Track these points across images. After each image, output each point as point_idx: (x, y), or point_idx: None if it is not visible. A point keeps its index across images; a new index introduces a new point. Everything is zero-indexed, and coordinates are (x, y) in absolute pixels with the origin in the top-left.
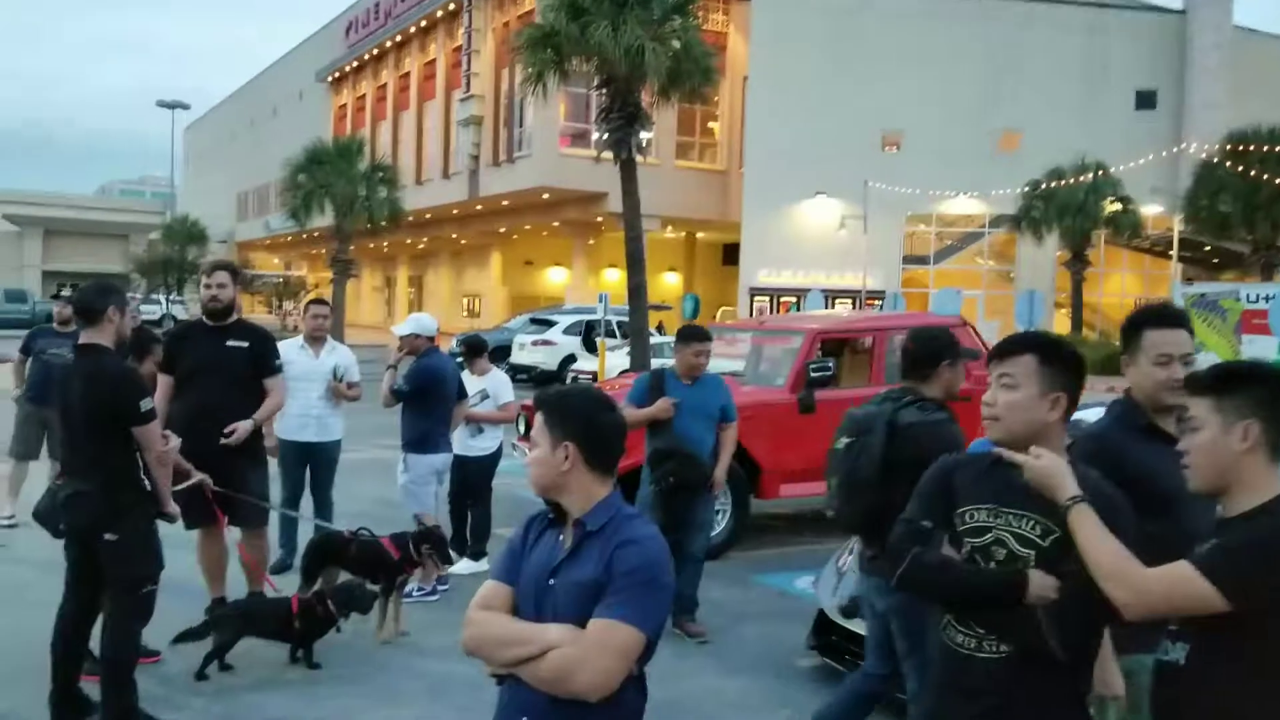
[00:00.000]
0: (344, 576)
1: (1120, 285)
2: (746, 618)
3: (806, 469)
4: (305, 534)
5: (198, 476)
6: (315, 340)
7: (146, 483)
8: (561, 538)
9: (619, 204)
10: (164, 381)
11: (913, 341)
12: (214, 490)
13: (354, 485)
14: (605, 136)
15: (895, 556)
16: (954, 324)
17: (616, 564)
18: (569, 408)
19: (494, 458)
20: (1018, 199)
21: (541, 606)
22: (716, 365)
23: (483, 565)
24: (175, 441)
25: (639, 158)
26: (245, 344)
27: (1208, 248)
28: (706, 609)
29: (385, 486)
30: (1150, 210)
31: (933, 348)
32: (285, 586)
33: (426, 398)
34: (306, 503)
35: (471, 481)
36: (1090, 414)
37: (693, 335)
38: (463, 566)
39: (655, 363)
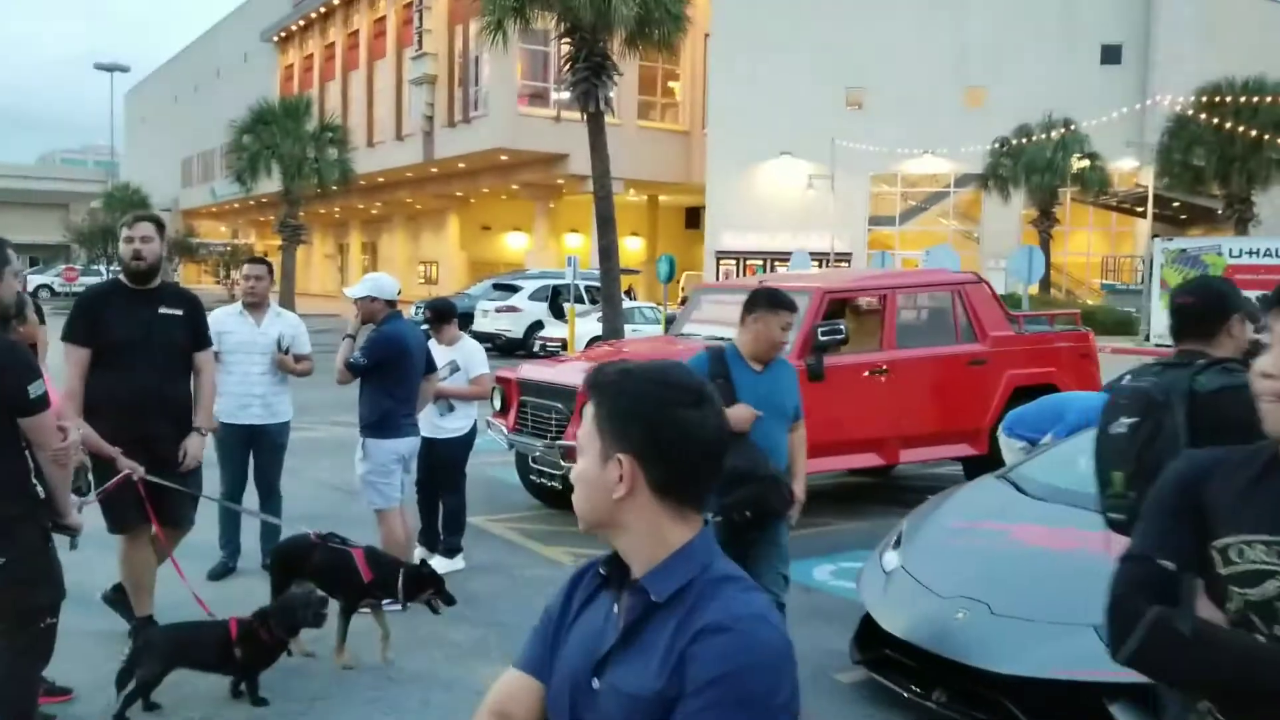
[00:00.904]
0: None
1: (1086, 243)
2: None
3: (817, 443)
4: (250, 530)
5: (127, 467)
6: (255, 306)
7: (40, 489)
8: (615, 609)
9: (580, 166)
10: (77, 356)
11: (1194, 295)
12: (147, 484)
13: (306, 469)
14: (570, 90)
15: (1123, 617)
16: (970, 280)
17: (694, 667)
18: (631, 397)
19: (467, 439)
20: (985, 157)
21: (579, 718)
22: (700, 330)
23: (458, 564)
24: (75, 435)
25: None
26: (179, 312)
27: (1176, 204)
28: None
29: (342, 470)
30: (1118, 166)
31: (1222, 302)
32: (228, 594)
33: (388, 372)
34: (250, 497)
35: (443, 467)
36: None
37: (778, 301)
38: (435, 566)
39: (629, 330)
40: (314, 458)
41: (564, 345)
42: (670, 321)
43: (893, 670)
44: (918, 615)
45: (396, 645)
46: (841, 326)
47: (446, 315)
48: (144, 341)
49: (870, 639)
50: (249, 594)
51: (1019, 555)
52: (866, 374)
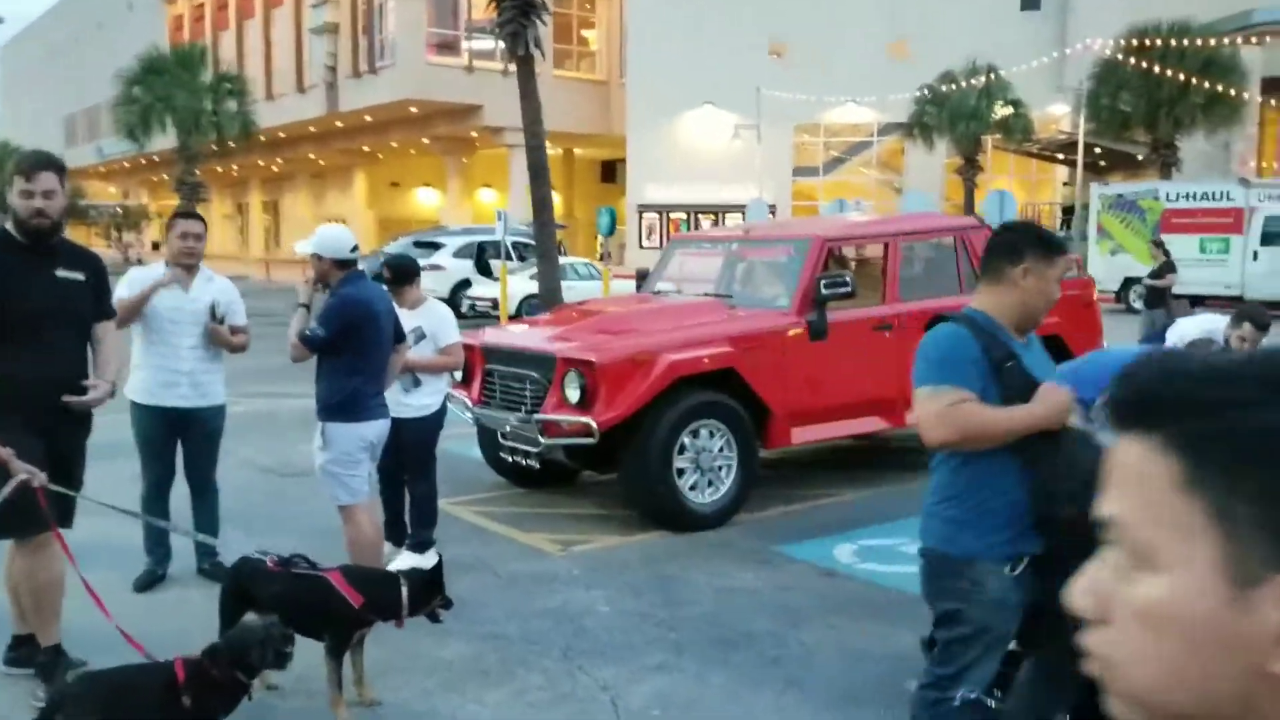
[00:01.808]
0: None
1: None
2: (801, 614)
3: (821, 407)
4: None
5: (24, 471)
6: (185, 269)
7: None
8: None
9: (495, 117)
10: None
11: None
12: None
13: (236, 450)
14: (496, 32)
15: None
16: (972, 225)
17: None
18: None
19: (437, 418)
20: (909, 105)
21: None
22: (677, 287)
23: (429, 560)
24: None
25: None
26: (80, 276)
27: (1099, 150)
28: (744, 604)
29: (276, 450)
30: (1041, 113)
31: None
32: (160, 609)
33: (351, 344)
34: (178, 494)
35: (409, 450)
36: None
37: (1053, 244)
38: (402, 563)
39: (566, 287)
40: (241, 436)
41: (495, 305)
42: (642, 279)
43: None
44: None
45: (374, 674)
46: (848, 279)
47: (409, 274)
48: (48, 313)
49: None
50: (185, 608)
51: None
52: (872, 330)
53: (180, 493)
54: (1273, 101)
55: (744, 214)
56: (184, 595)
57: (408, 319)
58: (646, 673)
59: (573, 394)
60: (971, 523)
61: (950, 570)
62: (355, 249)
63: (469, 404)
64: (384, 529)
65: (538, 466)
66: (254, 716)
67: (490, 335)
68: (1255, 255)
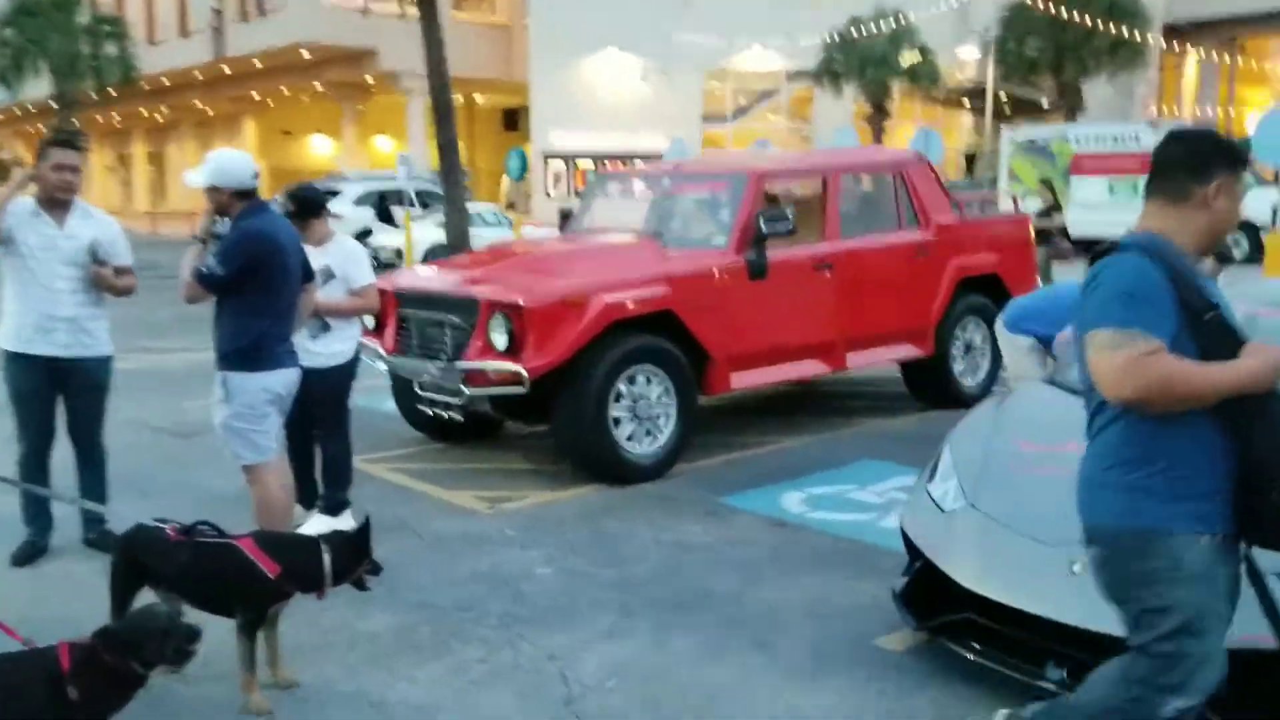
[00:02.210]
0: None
1: (910, 140)
2: (757, 569)
3: (761, 351)
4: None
5: None
6: (58, 203)
7: None
8: None
9: (392, 62)
10: None
11: None
12: None
13: (122, 408)
14: None
15: None
16: (912, 159)
17: None
18: None
19: (350, 368)
20: (818, 53)
21: None
22: (603, 226)
23: (344, 523)
24: None
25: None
26: None
27: (1004, 96)
28: (695, 561)
29: (168, 409)
30: (949, 59)
31: None
32: (43, 587)
33: (257, 283)
34: (61, 454)
35: (321, 403)
36: None
37: (1237, 155)
38: (315, 527)
39: (474, 235)
40: (128, 394)
41: (399, 254)
42: (566, 219)
43: (971, 638)
44: (1014, 569)
45: (290, 652)
46: (788, 215)
47: (314, 206)
48: None
49: (928, 596)
50: (70, 584)
51: None
52: (812, 269)
53: (63, 456)
54: (1174, 46)
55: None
56: (68, 569)
57: (315, 257)
58: (596, 639)
59: (499, 339)
60: (1161, 490)
61: (1138, 549)
62: (257, 175)
63: (382, 353)
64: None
65: (461, 419)
66: (154, 703)
67: (404, 278)
68: None
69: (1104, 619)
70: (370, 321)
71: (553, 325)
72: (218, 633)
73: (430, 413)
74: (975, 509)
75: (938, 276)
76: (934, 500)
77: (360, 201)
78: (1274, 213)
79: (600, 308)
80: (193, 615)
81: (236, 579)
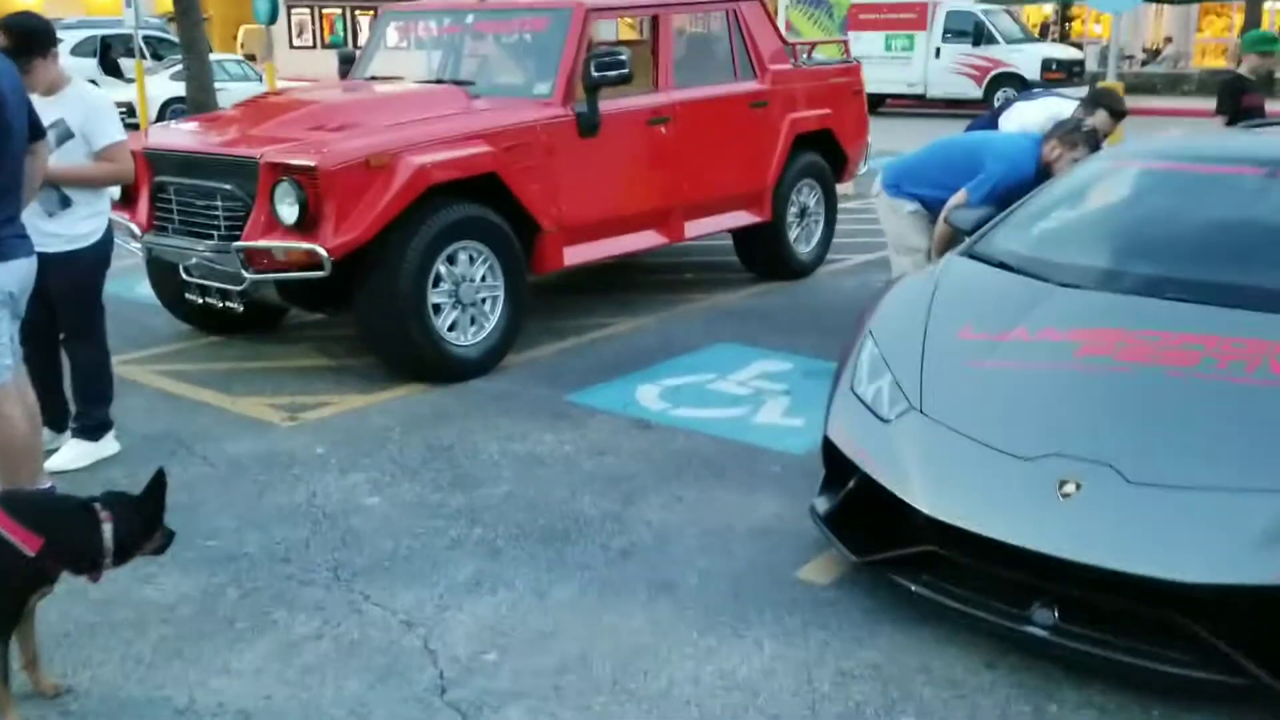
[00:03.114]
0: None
1: None
2: (633, 485)
3: (595, 220)
4: None
5: None
6: None
7: None
8: None
9: None
10: None
11: None
12: None
13: None
14: None
15: None
16: None
17: None
18: None
19: (99, 251)
20: None
21: None
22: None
23: (108, 447)
24: None
25: None
26: None
27: None
28: (557, 477)
29: None
30: None
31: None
32: None
33: None
34: None
35: (66, 300)
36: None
37: None
38: (69, 457)
39: (220, 89)
40: None
41: (131, 111)
42: (347, 64)
43: (933, 574)
44: (987, 492)
45: (55, 645)
46: (623, 57)
47: (40, 40)
48: None
49: (867, 522)
50: None
51: (1118, 382)
52: (646, 124)
53: None
54: None
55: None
56: None
57: (44, 109)
58: (460, 593)
59: (288, 212)
60: None
61: None
62: None
63: (135, 230)
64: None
65: (240, 309)
66: None
67: (158, 137)
68: (938, 52)
69: (1102, 550)
70: (118, 193)
71: (355, 193)
72: None
73: (200, 301)
74: (924, 415)
75: (774, 133)
76: (866, 405)
77: (78, 51)
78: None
79: (413, 170)
80: None
81: None
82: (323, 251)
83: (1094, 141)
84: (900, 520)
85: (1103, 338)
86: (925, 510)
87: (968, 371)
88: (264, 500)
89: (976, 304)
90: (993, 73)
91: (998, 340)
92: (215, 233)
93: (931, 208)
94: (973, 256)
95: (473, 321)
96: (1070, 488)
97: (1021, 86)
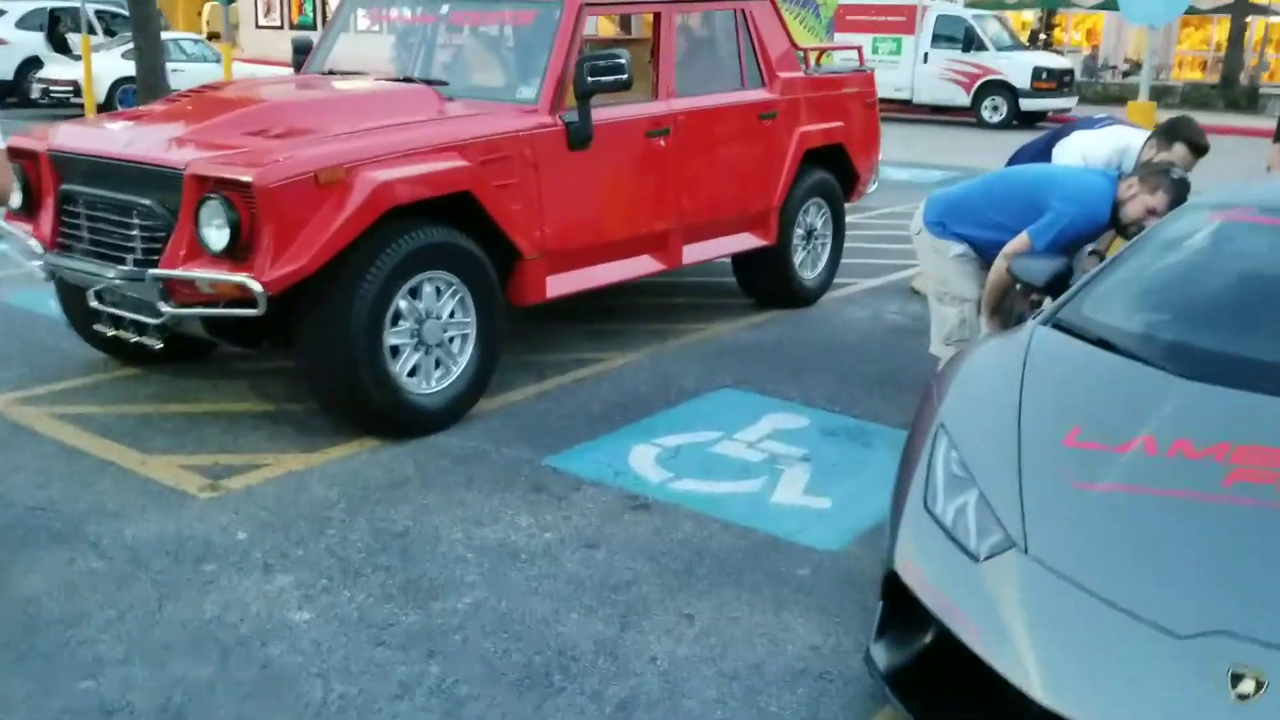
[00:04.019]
0: None
1: None
2: (629, 596)
3: (584, 246)
4: None
5: None
6: None
7: None
8: None
9: None
10: None
11: None
12: None
13: None
14: None
15: None
16: None
17: None
18: None
19: None
20: None
21: None
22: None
23: None
24: None
25: None
26: None
27: None
28: (537, 584)
29: None
30: None
31: None
32: None
33: None
34: None
35: None
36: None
37: None
38: None
39: (174, 70)
40: None
41: (77, 91)
42: (303, 54)
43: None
44: (1121, 676)
45: None
46: (622, 60)
47: None
48: None
49: (941, 677)
50: None
51: None
52: (644, 136)
53: None
54: None
55: None
56: None
57: None
58: None
59: (216, 236)
60: None
61: None
62: None
63: (37, 247)
64: None
65: (159, 345)
66: None
67: (68, 135)
68: (925, 57)
69: None
70: (16, 199)
71: (300, 214)
72: None
73: (111, 334)
74: (1029, 556)
75: (783, 147)
76: (945, 530)
77: (25, 24)
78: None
79: (372, 188)
80: None
81: None
82: (257, 286)
83: (1182, 192)
84: (997, 694)
85: (1259, 458)
86: (1043, 701)
87: (1082, 496)
88: (163, 614)
89: (1081, 397)
90: (981, 80)
91: (1116, 452)
92: (130, 256)
93: (983, 251)
94: (1059, 327)
95: (437, 365)
96: (1248, 685)
97: (1010, 96)
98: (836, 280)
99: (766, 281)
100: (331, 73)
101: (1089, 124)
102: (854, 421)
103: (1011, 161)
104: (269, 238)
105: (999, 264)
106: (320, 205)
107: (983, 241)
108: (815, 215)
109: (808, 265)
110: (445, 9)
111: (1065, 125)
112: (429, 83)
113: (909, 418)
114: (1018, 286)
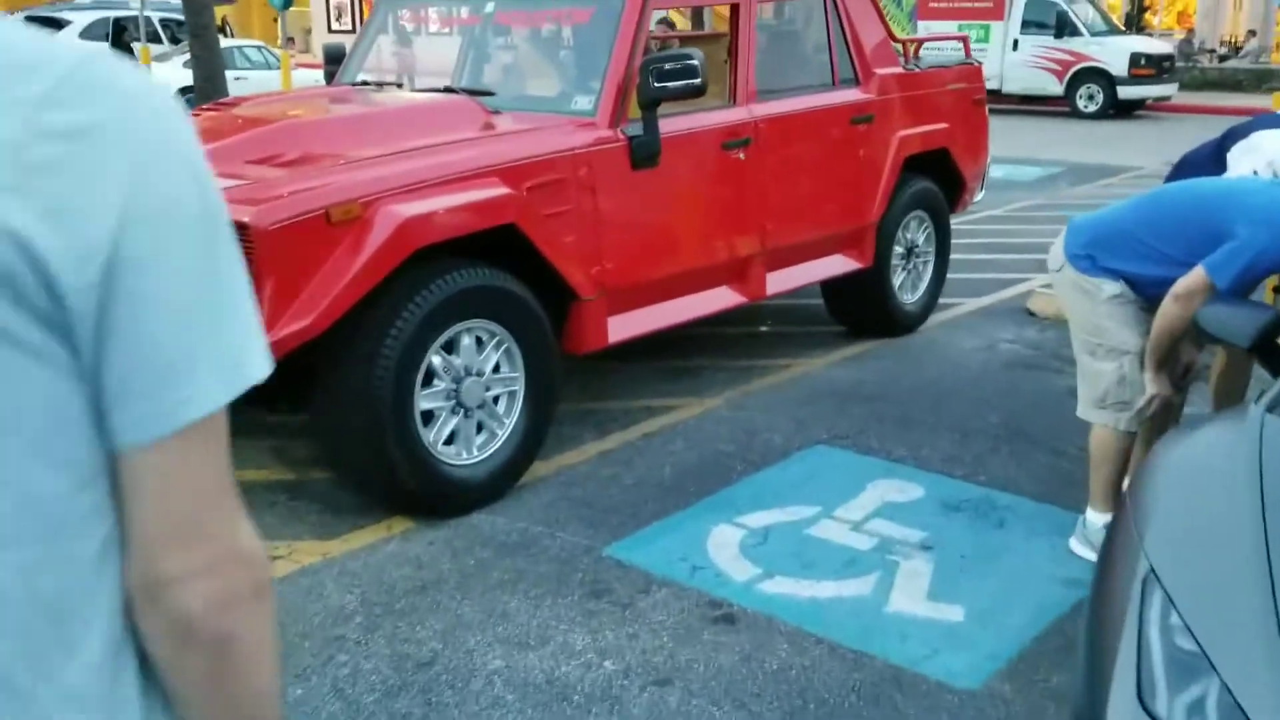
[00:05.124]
0: None
1: None
2: (714, 717)
3: (651, 280)
4: None
5: None
6: None
7: None
8: None
9: None
10: None
11: None
12: None
13: None
14: None
15: None
16: None
17: None
18: None
19: None
20: None
21: None
22: (377, 70)
23: None
24: None
25: None
26: None
27: None
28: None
29: None
30: None
31: None
32: None
33: None
34: None
35: None
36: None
37: None
38: None
39: (233, 76)
40: None
41: None
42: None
43: None
44: None
45: None
46: (695, 62)
47: None
48: None
49: None
50: None
51: None
52: (719, 149)
53: None
54: None
55: None
56: None
57: None
58: None
59: None
60: None
61: None
62: None
63: None
64: None
65: None
66: None
67: None
68: (1015, 44)
69: None
70: None
71: (308, 260)
72: None
73: None
74: None
75: (880, 155)
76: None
77: (89, 33)
78: None
79: (396, 225)
80: None
81: None
82: None
83: None
84: None
85: None
86: None
87: None
88: None
89: None
90: (1076, 67)
91: None
92: None
93: (1143, 289)
94: None
95: (479, 429)
96: None
97: (1107, 83)
98: (939, 301)
99: (861, 308)
100: (365, 84)
101: (1273, 121)
102: (979, 491)
103: (1176, 174)
104: (270, 290)
105: (1168, 307)
106: (333, 248)
107: (1144, 279)
108: (916, 230)
109: (908, 288)
110: (491, 8)
111: (1240, 124)
112: (472, 93)
113: (1045, 487)
114: (1210, 342)
